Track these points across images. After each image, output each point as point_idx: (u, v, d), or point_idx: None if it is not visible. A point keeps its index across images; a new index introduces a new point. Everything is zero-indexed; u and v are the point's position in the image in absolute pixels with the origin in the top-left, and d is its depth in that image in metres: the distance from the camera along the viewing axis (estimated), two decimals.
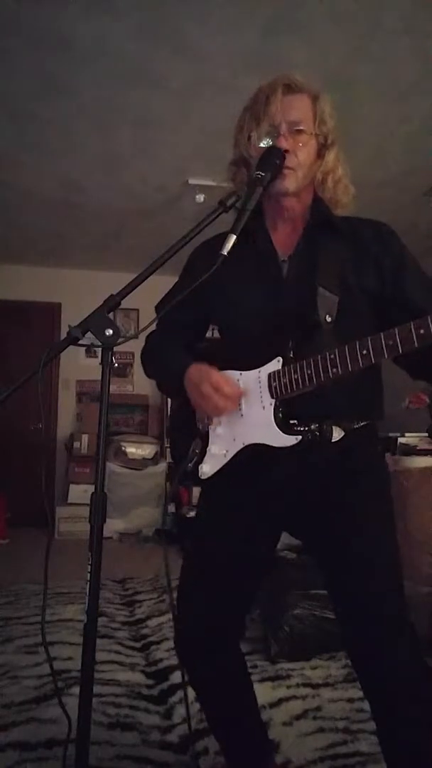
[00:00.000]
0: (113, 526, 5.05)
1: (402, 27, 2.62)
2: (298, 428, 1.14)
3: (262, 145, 1.20)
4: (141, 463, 5.36)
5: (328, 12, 2.53)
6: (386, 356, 1.02)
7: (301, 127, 1.21)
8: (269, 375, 1.18)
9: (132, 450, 5.44)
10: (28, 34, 2.65)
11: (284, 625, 2.31)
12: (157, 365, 1.40)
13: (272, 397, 1.17)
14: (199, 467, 1.27)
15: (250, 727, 1.40)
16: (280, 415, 1.16)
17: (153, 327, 1.21)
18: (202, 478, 1.26)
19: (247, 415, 1.21)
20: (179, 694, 2.00)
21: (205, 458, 1.26)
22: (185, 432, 1.33)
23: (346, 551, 1.18)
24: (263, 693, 1.92)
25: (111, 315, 1.02)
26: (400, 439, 3.40)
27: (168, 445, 5.88)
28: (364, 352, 1.03)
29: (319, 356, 1.09)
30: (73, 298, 5.69)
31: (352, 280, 1.21)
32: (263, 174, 1.14)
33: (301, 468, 1.18)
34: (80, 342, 1.01)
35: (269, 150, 1.18)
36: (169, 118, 3.36)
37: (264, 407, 1.18)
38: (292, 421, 1.16)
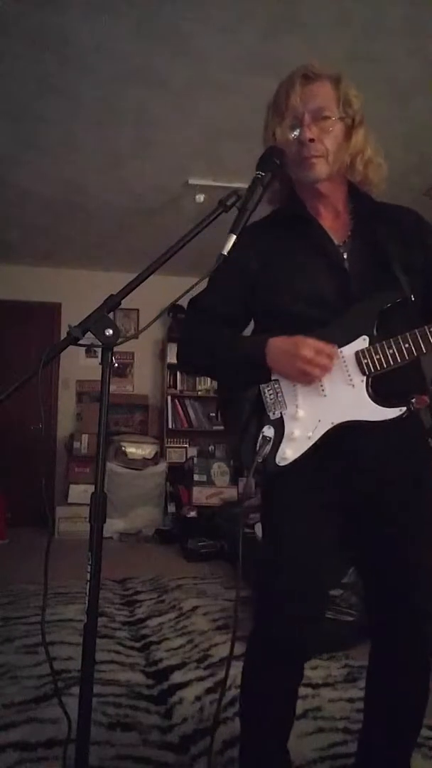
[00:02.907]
0: (113, 526, 5.05)
1: (402, 27, 2.61)
2: (395, 401, 1.15)
3: (291, 137, 1.21)
4: (141, 463, 5.35)
5: (328, 12, 2.53)
6: None
7: (326, 114, 1.21)
8: (357, 353, 1.18)
9: (132, 450, 5.43)
10: (28, 34, 2.65)
11: None
12: (217, 354, 1.31)
13: (363, 374, 1.17)
14: (279, 453, 1.21)
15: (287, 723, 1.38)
16: (371, 390, 1.17)
17: (153, 326, 1.21)
18: (282, 464, 1.21)
19: (331, 395, 1.20)
20: (179, 694, 2.01)
21: (285, 443, 1.21)
22: (250, 423, 1.28)
23: (405, 544, 1.22)
24: None
25: (111, 315, 1.02)
26: None
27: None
28: None
29: (417, 331, 1.12)
30: (73, 298, 5.69)
31: (409, 261, 1.24)
32: (263, 174, 1.15)
33: (383, 442, 1.20)
34: (80, 342, 1.01)
35: (270, 150, 1.18)
36: (169, 118, 3.36)
37: (353, 385, 1.18)
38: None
